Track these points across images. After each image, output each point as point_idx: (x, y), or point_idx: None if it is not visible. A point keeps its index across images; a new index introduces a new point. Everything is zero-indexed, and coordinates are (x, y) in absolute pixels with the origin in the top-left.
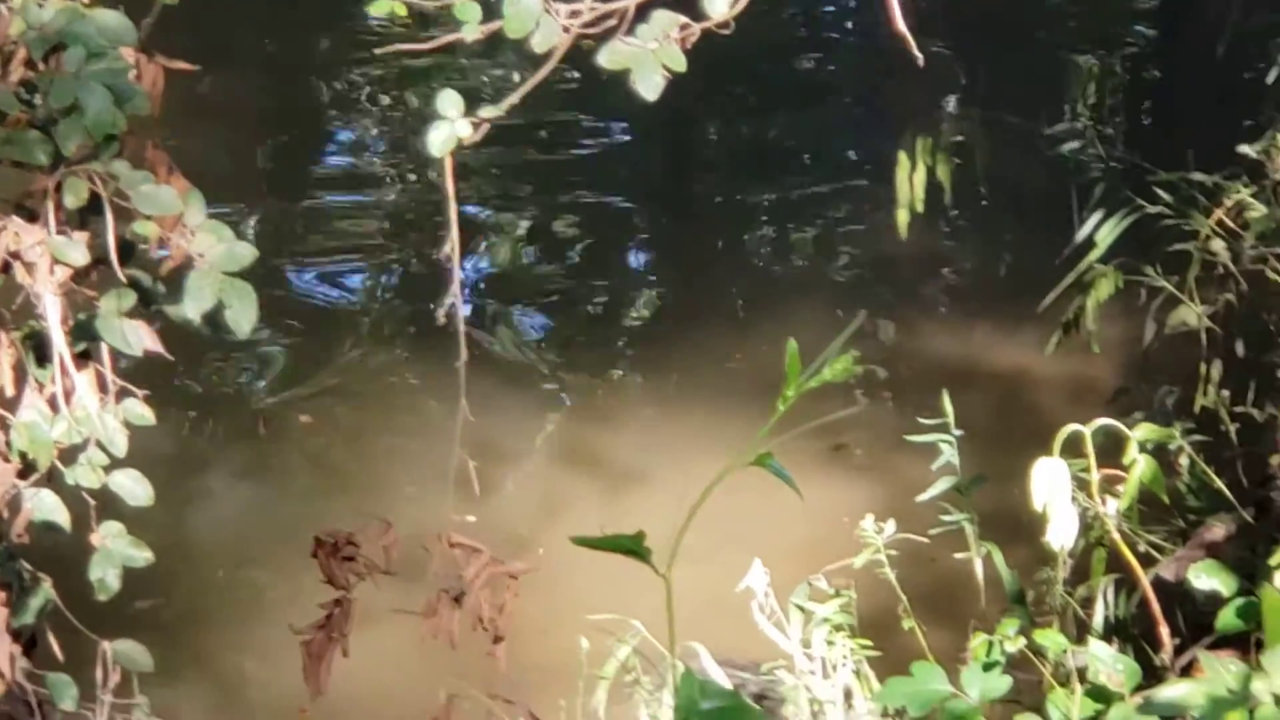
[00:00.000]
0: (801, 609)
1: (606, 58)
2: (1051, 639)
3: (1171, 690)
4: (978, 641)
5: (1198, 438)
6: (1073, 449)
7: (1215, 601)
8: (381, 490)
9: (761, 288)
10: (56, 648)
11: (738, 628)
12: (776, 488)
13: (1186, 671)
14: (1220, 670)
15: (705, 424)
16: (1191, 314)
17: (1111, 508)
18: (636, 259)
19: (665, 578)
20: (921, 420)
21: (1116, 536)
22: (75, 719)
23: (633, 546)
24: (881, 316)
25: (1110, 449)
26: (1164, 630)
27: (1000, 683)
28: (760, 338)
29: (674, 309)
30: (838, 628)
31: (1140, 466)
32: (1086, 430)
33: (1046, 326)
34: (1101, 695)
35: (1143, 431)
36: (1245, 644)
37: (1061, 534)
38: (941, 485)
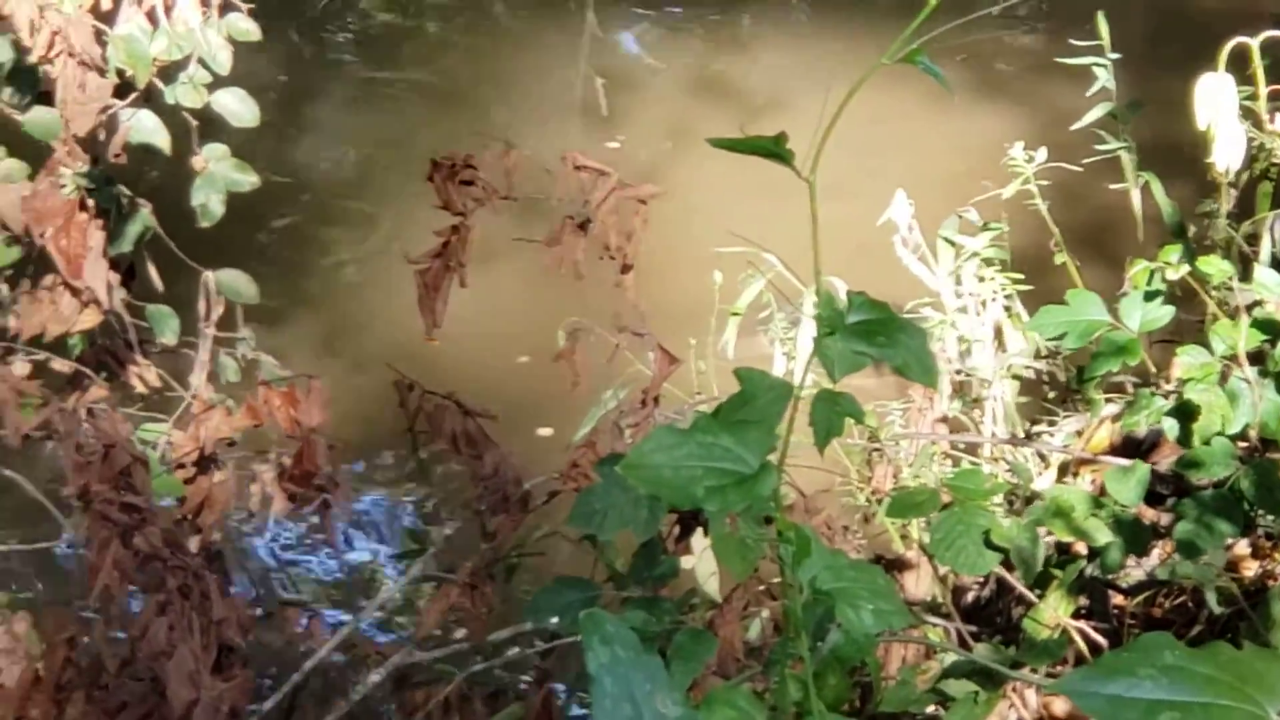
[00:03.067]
0: (950, 243)
1: None
2: (1216, 266)
3: None
4: (1137, 269)
5: None
6: (1239, 69)
7: None
8: (503, 113)
9: None
10: (157, 278)
11: (881, 268)
12: (921, 118)
13: None
14: None
15: (846, 49)
16: None
17: None
18: None
19: (809, 181)
20: (1074, 43)
21: None
22: (176, 355)
23: (773, 148)
24: None
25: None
26: None
27: (1161, 312)
28: None
29: None
30: (988, 262)
31: None
32: (1254, 42)
33: None
34: (1269, 326)
35: None
36: None
37: (1227, 154)
38: (1096, 112)
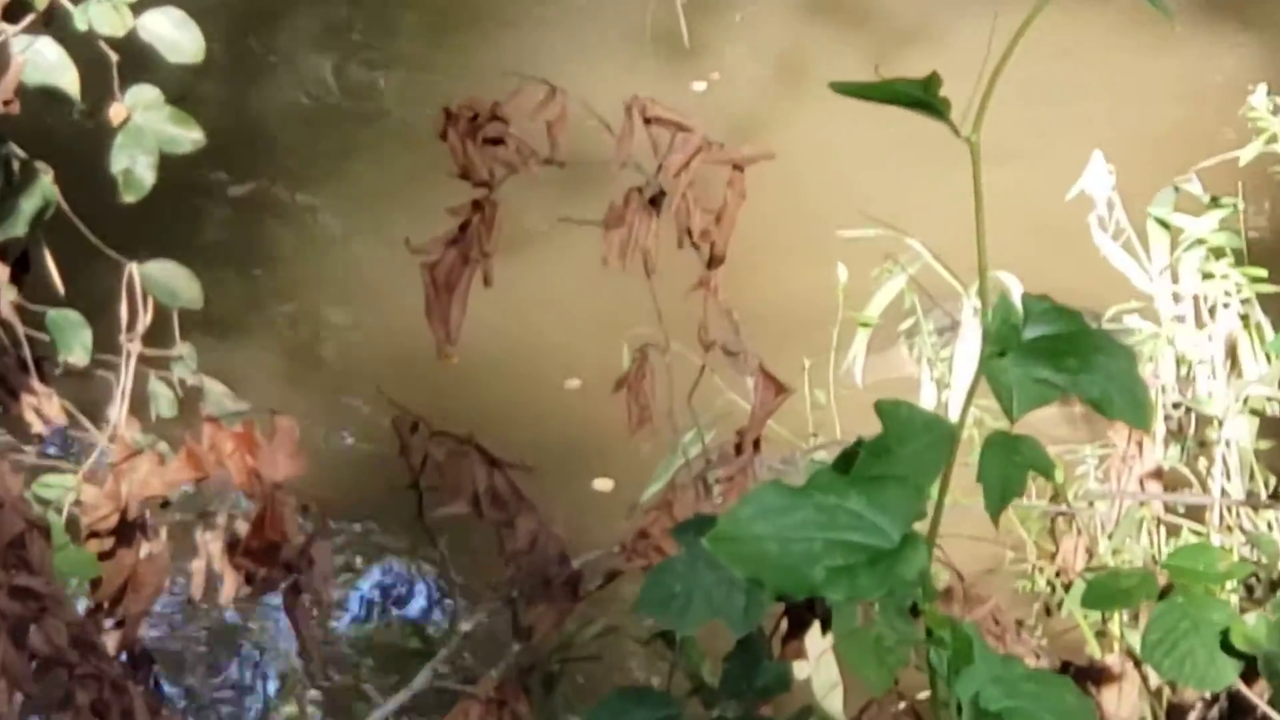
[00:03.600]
0: (1164, 224)
1: None
2: None
3: None
4: None
5: None
6: None
7: None
8: (546, 42)
9: None
10: (56, 275)
11: (1070, 259)
12: (1125, 52)
13: None
14: None
15: None
16: None
17: None
18: None
19: (970, 141)
20: None
21: None
22: (88, 380)
23: (921, 95)
24: None
25: None
26: None
27: None
28: None
29: None
30: (1218, 252)
31: None
32: None
33: None
34: None
35: None
36: None
37: None
38: None
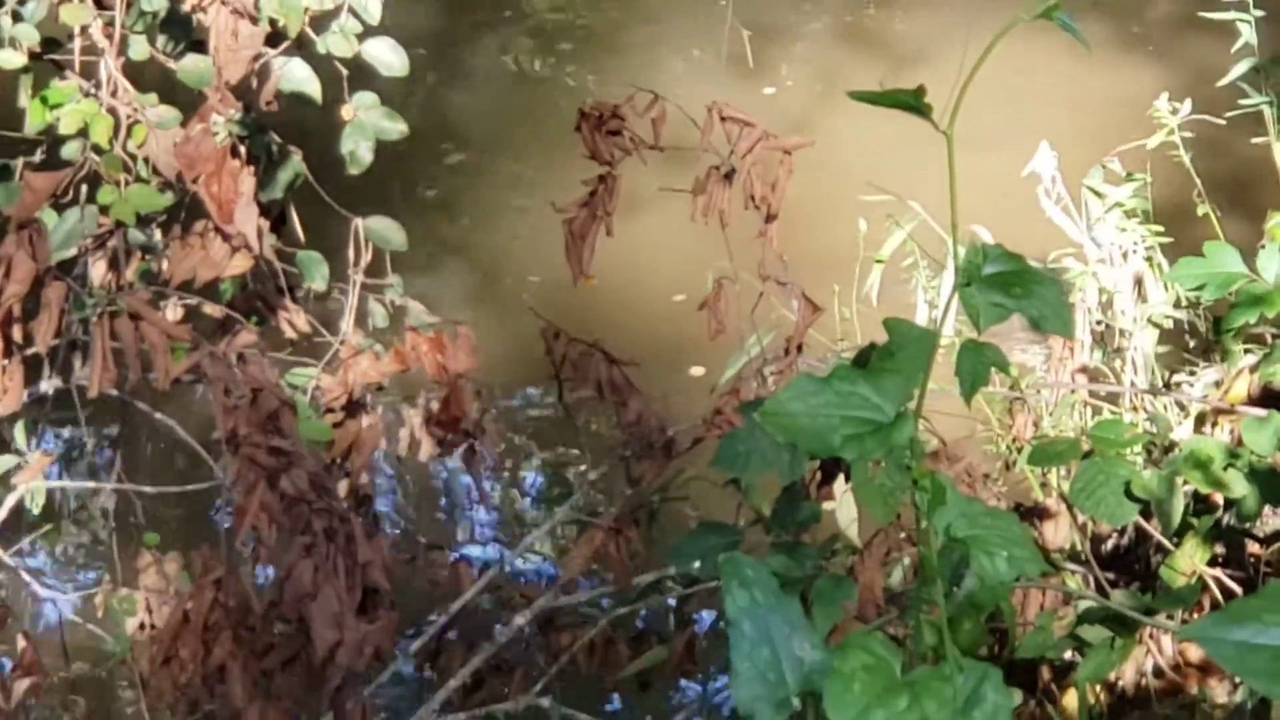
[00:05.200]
0: (1094, 192)
1: None
2: None
3: None
4: (1275, 221)
5: None
6: None
7: None
8: (650, 66)
9: None
10: (298, 227)
11: (1024, 218)
12: (1066, 72)
13: None
14: None
15: (994, 4)
16: None
17: None
18: None
19: (947, 134)
20: None
21: None
22: (325, 301)
23: (912, 101)
24: None
25: None
26: None
27: None
28: None
29: None
30: (1130, 213)
31: None
32: None
33: None
34: None
35: None
36: None
37: None
38: (1240, 67)
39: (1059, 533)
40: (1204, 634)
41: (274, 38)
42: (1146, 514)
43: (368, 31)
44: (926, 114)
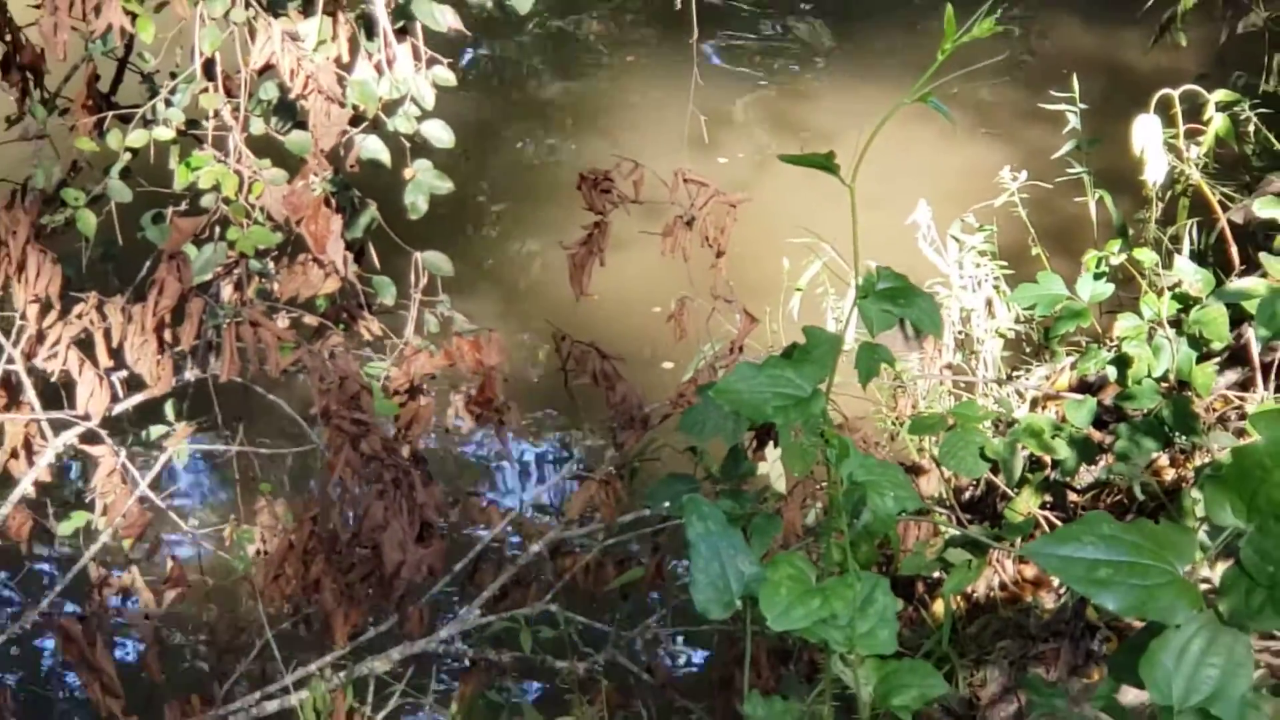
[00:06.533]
0: (956, 239)
1: None
2: (1147, 255)
3: (1238, 283)
4: (1089, 256)
5: (1263, 110)
6: (1165, 114)
7: (1274, 227)
8: (633, 140)
9: None
10: (375, 258)
11: (907, 257)
12: (937, 148)
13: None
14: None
15: (886, 95)
16: (1259, 17)
17: (1194, 153)
18: None
19: (849, 186)
20: (1054, 93)
21: (1198, 177)
22: (393, 313)
23: (825, 162)
24: (1019, 20)
25: (1194, 115)
26: (1234, 253)
27: (1106, 289)
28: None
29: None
30: (982, 253)
31: (1217, 121)
32: (1175, 93)
33: (1146, 29)
34: (1183, 300)
35: (1220, 94)
36: None
37: (1155, 171)
38: (1067, 145)
39: (931, 484)
40: (1037, 551)
41: (356, 119)
42: (995, 470)
43: (424, 115)
44: (835, 171)
